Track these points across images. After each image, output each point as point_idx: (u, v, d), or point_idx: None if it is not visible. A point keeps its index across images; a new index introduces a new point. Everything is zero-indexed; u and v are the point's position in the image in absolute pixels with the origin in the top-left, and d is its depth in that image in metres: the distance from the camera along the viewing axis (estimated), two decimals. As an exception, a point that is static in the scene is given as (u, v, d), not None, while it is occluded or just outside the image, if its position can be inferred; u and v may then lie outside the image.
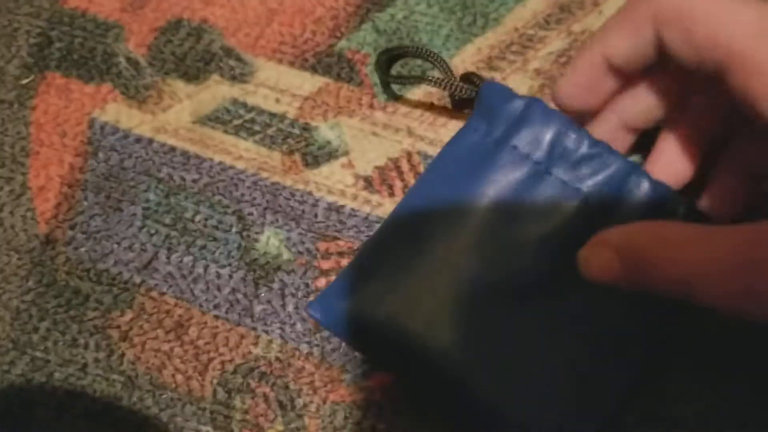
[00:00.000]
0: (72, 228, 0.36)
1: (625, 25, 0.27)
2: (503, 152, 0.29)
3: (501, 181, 0.28)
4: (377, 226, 0.35)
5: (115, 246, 0.36)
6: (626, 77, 0.29)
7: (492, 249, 0.28)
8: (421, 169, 0.36)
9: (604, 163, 0.28)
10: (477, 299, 0.28)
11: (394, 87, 0.36)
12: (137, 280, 0.35)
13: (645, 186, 0.28)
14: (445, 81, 0.32)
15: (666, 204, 0.28)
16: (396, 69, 0.36)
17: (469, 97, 0.32)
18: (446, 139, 0.35)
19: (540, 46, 0.37)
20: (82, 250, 0.36)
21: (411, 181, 0.35)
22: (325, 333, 0.34)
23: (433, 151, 0.36)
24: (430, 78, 0.32)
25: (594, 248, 0.25)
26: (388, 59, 0.35)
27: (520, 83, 0.36)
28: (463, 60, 0.37)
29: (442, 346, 0.28)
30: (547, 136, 0.28)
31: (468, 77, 0.33)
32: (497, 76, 0.36)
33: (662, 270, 0.22)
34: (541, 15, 0.37)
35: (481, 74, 0.33)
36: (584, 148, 0.28)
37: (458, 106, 0.35)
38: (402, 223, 0.30)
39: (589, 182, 0.28)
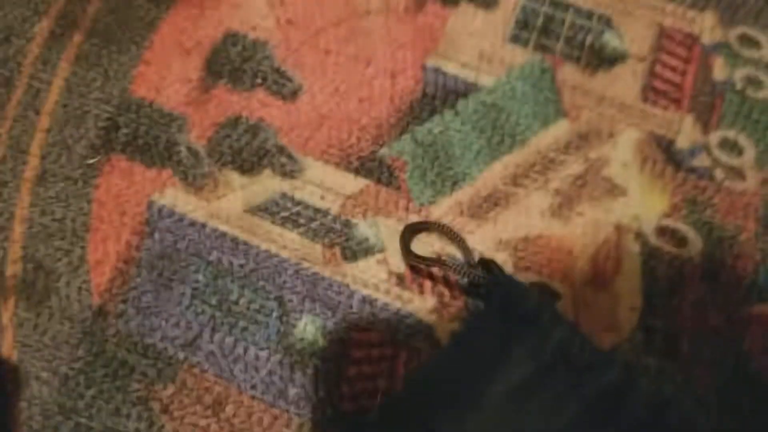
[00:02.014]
0: (124, 302, 0.39)
1: None
2: (513, 349, 0.32)
3: (508, 377, 0.31)
4: (407, 320, 0.38)
5: (163, 322, 0.38)
6: None
7: None
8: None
9: (605, 370, 0.31)
10: None
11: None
12: (181, 356, 0.38)
13: (642, 392, 0.30)
14: (461, 268, 0.36)
15: (665, 410, 0.30)
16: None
17: (483, 283, 0.36)
18: (473, 244, 0.39)
19: (560, 168, 0.41)
20: (132, 323, 0.38)
21: (440, 280, 0.39)
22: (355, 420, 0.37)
23: (460, 255, 0.39)
24: (448, 263, 0.37)
25: None
26: (411, 231, 0.39)
27: (541, 200, 0.40)
28: (492, 175, 0.41)
29: None
30: (554, 339, 0.31)
31: (486, 263, 0.36)
32: (520, 192, 0.41)
33: None
34: (562, 141, 0.42)
35: (499, 264, 0.36)
36: (587, 355, 0.31)
37: (471, 288, 0.39)
38: (411, 398, 0.33)
39: (592, 387, 0.30)
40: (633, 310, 0.38)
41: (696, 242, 0.40)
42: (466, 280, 0.38)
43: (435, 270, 0.39)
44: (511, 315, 0.33)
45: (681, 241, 0.40)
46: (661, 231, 0.40)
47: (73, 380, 0.38)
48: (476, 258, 0.38)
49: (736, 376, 0.36)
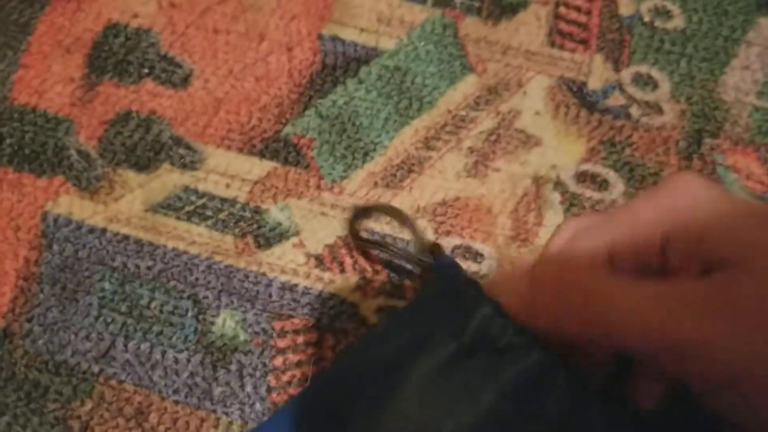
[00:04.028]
0: (29, 321, 0.37)
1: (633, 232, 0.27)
2: (437, 329, 0.30)
3: (431, 359, 0.29)
4: (330, 302, 0.37)
5: (73, 336, 0.36)
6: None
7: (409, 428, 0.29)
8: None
9: (525, 353, 0.29)
10: None
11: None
12: (95, 369, 0.36)
13: (561, 380, 0.28)
14: (407, 255, 0.35)
15: (582, 398, 0.28)
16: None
17: (427, 267, 0.35)
18: (390, 216, 0.38)
19: (472, 125, 0.40)
20: (40, 342, 0.36)
21: (360, 257, 0.37)
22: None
23: (379, 228, 0.38)
24: (394, 249, 0.35)
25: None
26: (359, 214, 0.37)
27: (455, 161, 0.39)
28: (402, 141, 0.39)
29: None
30: (475, 319, 0.29)
31: (431, 248, 0.35)
32: (434, 155, 0.39)
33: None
34: (471, 97, 0.40)
35: (442, 249, 0.35)
36: (508, 337, 0.29)
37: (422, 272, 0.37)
38: (333, 383, 0.32)
39: (509, 371, 0.28)
40: (559, 262, 0.37)
41: (618, 184, 0.39)
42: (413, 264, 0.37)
43: (353, 245, 0.38)
44: (441, 294, 0.31)
45: (602, 184, 0.39)
46: (581, 177, 0.39)
47: (-16, 409, 0.36)
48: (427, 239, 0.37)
49: None
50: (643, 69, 0.41)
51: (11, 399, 0.36)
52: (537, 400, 0.28)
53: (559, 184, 0.38)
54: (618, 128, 0.40)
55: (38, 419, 0.35)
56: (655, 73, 0.41)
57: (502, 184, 0.38)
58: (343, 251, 0.38)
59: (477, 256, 0.37)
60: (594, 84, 0.40)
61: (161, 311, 0.37)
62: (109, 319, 0.37)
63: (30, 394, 0.36)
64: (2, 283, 0.37)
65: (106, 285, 0.37)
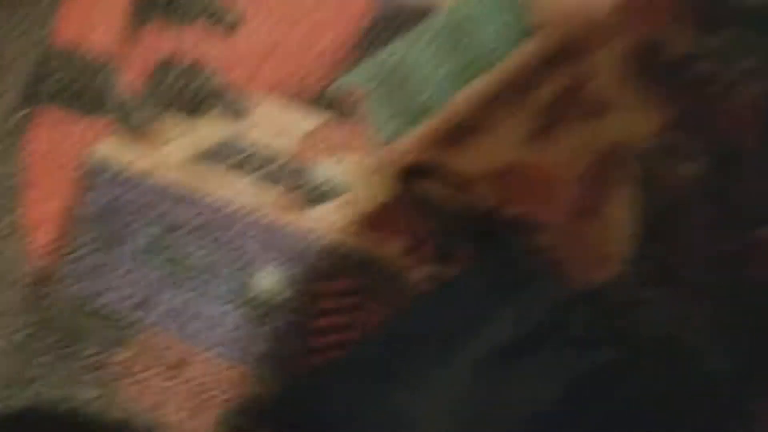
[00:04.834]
0: (71, 262, 0.36)
1: None
2: (504, 308, 0.30)
3: (493, 335, 0.29)
4: (377, 266, 0.35)
5: (114, 282, 0.36)
6: None
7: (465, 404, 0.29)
8: (419, 209, 0.36)
9: (598, 347, 0.29)
10: None
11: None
12: (137, 316, 0.36)
13: (632, 377, 0.29)
14: (464, 217, 0.35)
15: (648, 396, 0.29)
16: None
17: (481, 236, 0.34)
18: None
19: (536, 89, 0.37)
20: (80, 285, 0.36)
21: (411, 220, 0.36)
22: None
23: (433, 190, 0.36)
24: (451, 209, 0.35)
25: None
26: (412, 173, 0.36)
27: (517, 126, 0.36)
28: (462, 101, 0.37)
29: None
30: (551, 307, 0.30)
31: (486, 215, 0.34)
32: (494, 119, 0.37)
33: None
34: (536, 59, 0.37)
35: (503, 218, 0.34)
36: (587, 328, 0.30)
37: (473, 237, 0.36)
38: (386, 343, 0.32)
39: (583, 362, 0.29)
40: (627, 239, 0.35)
41: (698, 158, 0.36)
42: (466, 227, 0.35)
43: (403, 211, 0.36)
44: (507, 272, 0.31)
45: (680, 158, 0.36)
46: (657, 148, 0.36)
47: (28, 346, 0.36)
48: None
49: (738, 306, 0.34)
50: (728, 37, 0.38)
51: (52, 339, 0.36)
52: (606, 392, 0.28)
53: (631, 155, 0.36)
54: (697, 98, 0.37)
55: (79, 362, 0.35)
56: (740, 41, 0.38)
57: (569, 152, 0.36)
58: (393, 213, 0.36)
59: (536, 228, 0.35)
60: (673, 51, 0.37)
61: (204, 262, 0.36)
62: (150, 266, 0.36)
63: (72, 336, 0.36)
64: (45, 220, 0.37)
65: (150, 231, 0.36)
